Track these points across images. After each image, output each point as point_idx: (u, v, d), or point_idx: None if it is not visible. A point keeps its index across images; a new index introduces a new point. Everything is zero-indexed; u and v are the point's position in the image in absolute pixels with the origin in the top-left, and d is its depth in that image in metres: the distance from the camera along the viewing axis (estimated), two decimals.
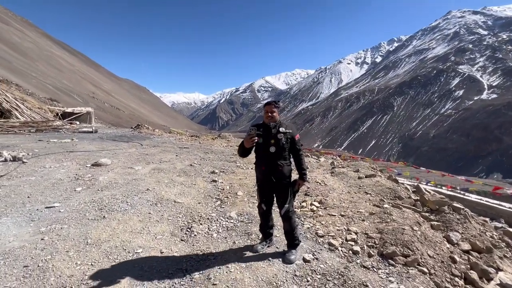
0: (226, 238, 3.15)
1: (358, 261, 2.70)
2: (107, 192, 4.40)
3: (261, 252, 2.76)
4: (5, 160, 6.18)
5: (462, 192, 10.09)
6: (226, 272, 2.37)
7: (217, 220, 3.61)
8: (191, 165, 6.56)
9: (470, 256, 3.07)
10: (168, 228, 3.32)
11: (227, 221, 3.58)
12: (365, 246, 2.97)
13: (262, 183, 2.70)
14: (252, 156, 2.80)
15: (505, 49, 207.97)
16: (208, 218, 3.65)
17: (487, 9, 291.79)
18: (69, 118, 16.77)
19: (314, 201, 4.38)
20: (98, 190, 4.50)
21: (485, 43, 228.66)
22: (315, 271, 2.47)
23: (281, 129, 2.63)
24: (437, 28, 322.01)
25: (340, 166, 7.52)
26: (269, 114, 2.64)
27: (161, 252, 2.74)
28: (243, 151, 2.66)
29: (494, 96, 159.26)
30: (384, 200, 4.46)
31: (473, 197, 8.91)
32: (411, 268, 2.57)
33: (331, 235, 3.21)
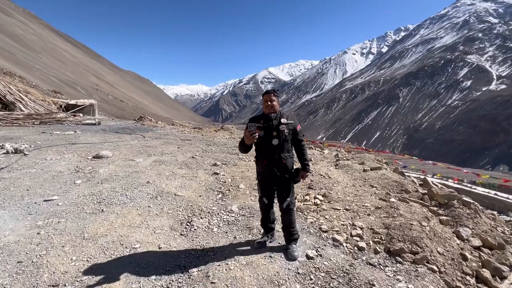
0: (226, 232, 3.05)
1: (364, 258, 2.58)
2: (107, 185, 4.33)
3: (262, 248, 2.67)
4: (7, 152, 6.14)
5: (468, 185, 9.91)
6: (226, 269, 2.27)
7: (218, 214, 3.52)
8: (193, 157, 6.46)
9: (481, 253, 2.94)
10: (168, 222, 3.24)
11: (228, 215, 3.49)
12: (371, 242, 2.85)
13: (264, 178, 2.58)
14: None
15: None
16: (209, 212, 3.56)
17: None
18: (73, 110, 16.74)
19: (318, 194, 4.26)
20: (98, 183, 4.43)
21: (495, 31, 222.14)
22: (318, 268, 2.36)
23: (282, 120, 2.49)
24: (446, 16, 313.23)
25: (344, 158, 7.37)
26: (269, 103, 2.50)
27: (159, 248, 2.65)
28: (244, 148, 2.51)
29: (503, 86, 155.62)
30: (391, 193, 4.32)
31: (480, 190, 8.73)
32: (420, 266, 2.45)
33: (336, 230, 3.10)
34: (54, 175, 4.71)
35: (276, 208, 2.78)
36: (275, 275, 2.22)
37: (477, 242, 3.13)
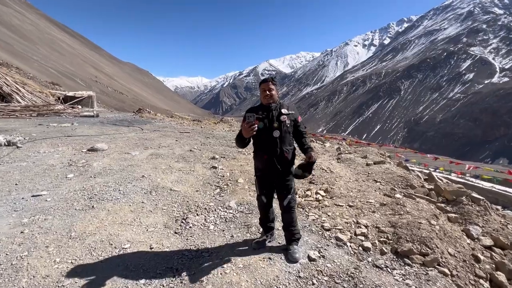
0: (223, 230, 2.88)
1: (370, 259, 2.41)
2: (100, 179, 4.15)
3: (261, 248, 2.49)
4: (0, 145, 5.96)
5: (471, 180, 9.74)
6: (221, 273, 2.09)
7: (215, 210, 3.34)
8: (190, 150, 6.27)
9: (494, 253, 2.77)
10: (162, 219, 3.07)
11: (225, 212, 3.31)
12: (376, 241, 2.67)
13: (263, 174, 2.37)
14: None
15: None
16: (205, 208, 3.39)
17: None
18: (71, 102, 16.47)
19: (320, 189, 4.07)
20: (91, 177, 4.25)
21: (500, 23, 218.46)
22: (321, 271, 2.19)
23: (283, 110, 2.28)
24: (450, 7, 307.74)
25: (346, 152, 7.17)
26: (267, 92, 2.28)
27: (151, 248, 2.48)
28: (242, 142, 2.28)
29: (506, 79, 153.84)
30: (396, 189, 4.13)
31: (484, 184, 8.58)
32: (430, 268, 2.27)
33: (339, 228, 2.92)
34: (45, 168, 4.53)
35: (275, 204, 2.59)
36: (274, 280, 2.05)
37: (488, 241, 2.96)
